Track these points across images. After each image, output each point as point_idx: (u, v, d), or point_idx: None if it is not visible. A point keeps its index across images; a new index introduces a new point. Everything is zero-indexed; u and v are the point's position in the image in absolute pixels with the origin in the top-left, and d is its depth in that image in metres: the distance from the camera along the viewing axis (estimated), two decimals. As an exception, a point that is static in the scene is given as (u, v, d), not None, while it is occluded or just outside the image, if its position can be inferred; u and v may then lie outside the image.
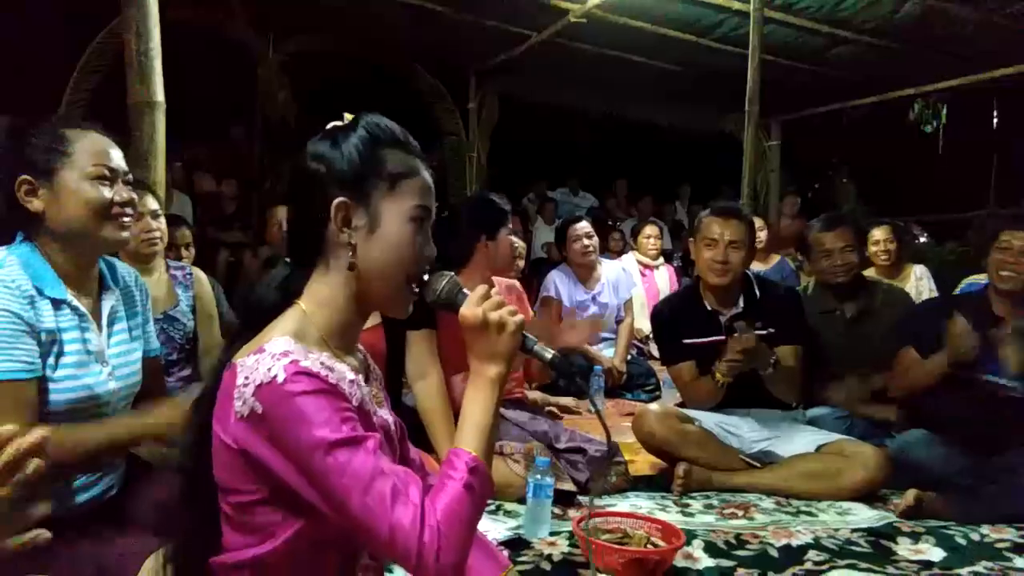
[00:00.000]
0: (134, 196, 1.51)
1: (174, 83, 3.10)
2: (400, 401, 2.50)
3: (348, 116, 1.12)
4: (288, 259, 1.14)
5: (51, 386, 1.37)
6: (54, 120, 1.47)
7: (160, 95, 2.99)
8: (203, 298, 2.80)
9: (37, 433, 0.75)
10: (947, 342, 2.52)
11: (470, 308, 1.09)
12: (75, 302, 1.43)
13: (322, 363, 0.99)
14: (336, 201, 1.05)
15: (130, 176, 1.52)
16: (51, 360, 1.37)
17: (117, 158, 1.48)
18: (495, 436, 1.09)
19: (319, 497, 0.95)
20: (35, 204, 1.41)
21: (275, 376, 0.94)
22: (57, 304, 1.40)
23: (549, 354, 1.14)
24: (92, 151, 1.45)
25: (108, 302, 1.53)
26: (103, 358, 1.47)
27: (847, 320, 3.15)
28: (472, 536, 1.01)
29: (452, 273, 1.16)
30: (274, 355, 0.96)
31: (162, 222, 2.65)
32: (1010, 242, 2.59)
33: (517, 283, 3.04)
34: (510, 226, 2.71)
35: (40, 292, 1.37)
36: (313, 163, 1.07)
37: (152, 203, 2.59)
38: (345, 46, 6.66)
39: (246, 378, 0.96)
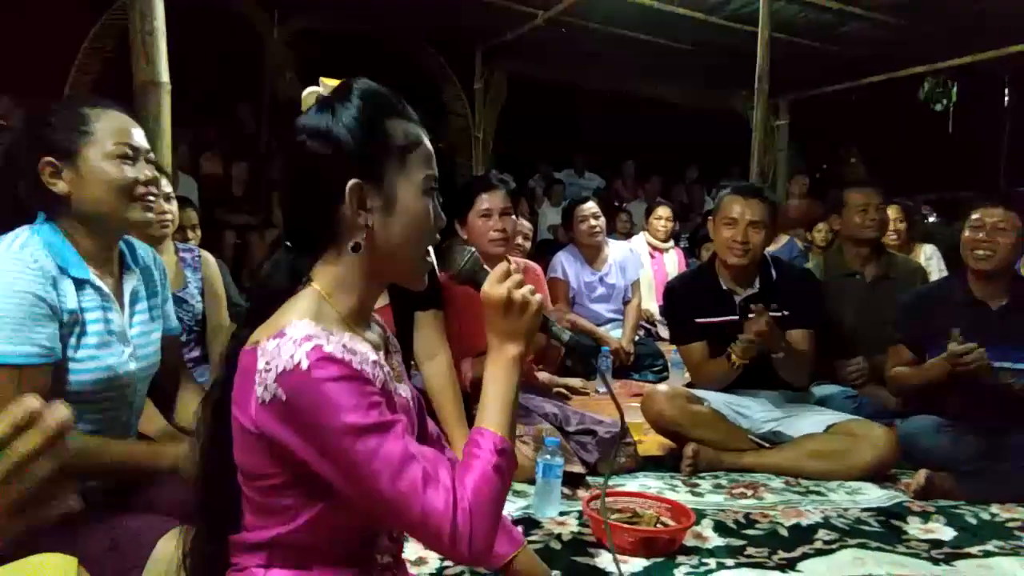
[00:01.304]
0: (158, 175, 1.48)
1: (179, 63, 3.08)
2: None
3: (328, 81, 1.06)
4: (289, 243, 1.08)
5: (73, 366, 1.35)
6: (73, 99, 1.45)
7: (165, 75, 2.97)
8: (211, 280, 2.80)
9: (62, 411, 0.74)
10: (949, 356, 2.44)
11: (493, 286, 1.08)
12: (98, 282, 1.41)
13: (344, 346, 0.96)
14: (351, 184, 1.00)
15: (152, 155, 1.49)
16: (73, 340, 1.35)
17: (139, 136, 1.44)
18: (517, 414, 1.08)
19: (347, 482, 0.94)
20: (60, 186, 1.37)
21: (298, 363, 0.91)
22: (80, 284, 1.38)
23: (566, 335, 1.15)
24: (114, 129, 1.41)
25: (129, 283, 1.51)
26: (125, 338, 1.45)
27: (866, 284, 3.22)
28: (500, 515, 1.02)
29: (474, 248, 1.16)
30: (295, 340, 0.93)
31: (174, 204, 2.64)
32: (982, 219, 2.55)
33: (535, 264, 3.02)
34: (483, 206, 2.63)
35: (63, 271, 1.35)
36: (314, 142, 1.01)
37: (166, 185, 2.59)
38: (351, 24, 6.63)
39: (267, 363, 0.93)
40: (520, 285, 1.09)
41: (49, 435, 0.70)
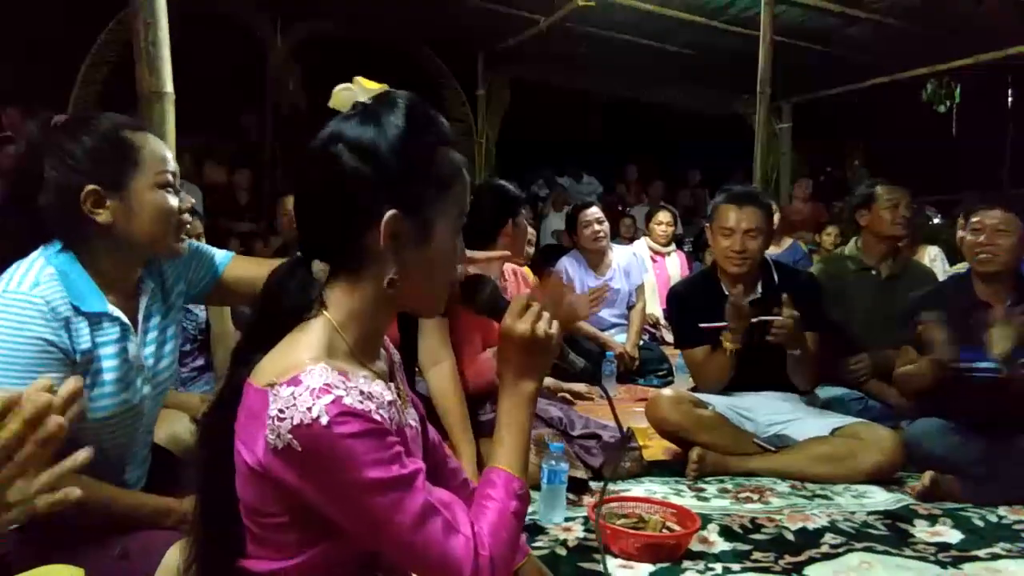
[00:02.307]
0: (193, 200, 1.44)
1: (183, 72, 3.09)
2: (413, 389, 2.50)
3: (365, 83, 0.99)
4: (303, 256, 1.02)
5: (88, 404, 1.31)
6: (105, 122, 1.36)
7: (169, 85, 2.97)
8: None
9: (69, 386, 0.74)
10: (925, 349, 2.47)
11: (516, 321, 1.05)
12: (115, 312, 1.35)
13: (362, 392, 0.91)
14: (389, 214, 0.93)
15: (180, 180, 1.45)
16: (88, 380, 1.30)
17: (173, 161, 1.41)
18: (529, 449, 1.08)
19: (367, 533, 0.93)
20: (103, 216, 1.31)
21: (317, 417, 0.87)
22: (95, 319, 1.32)
23: (580, 363, 1.16)
24: (156, 157, 1.37)
25: (144, 298, 1.45)
26: (140, 362, 1.41)
27: (881, 280, 3.24)
28: (516, 558, 1.03)
29: (493, 279, 1.15)
30: (313, 390, 0.88)
31: None
32: (982, 222, 2.55)
33: (524, 269, 3.03)
34: (525, 211, 2.73)
35: (77, 310, 1.29)
36: (353, 157, 0.93)
37: None
38: (353, 32, 6.65)
39: (280, 411, 0.88)
40: (540, 317, 1.06)
41: (27, 418, 0.70)
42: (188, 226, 1.43)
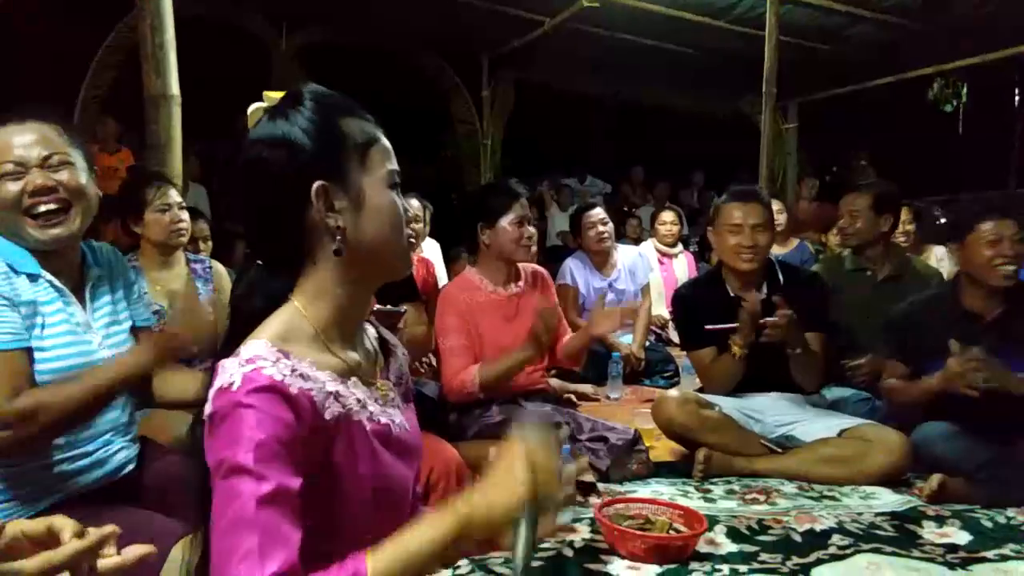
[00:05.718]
0: (54, 180, 1.47)
1: (190, 76, 3.10)
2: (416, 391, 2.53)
3: (271, 95, 1.05)
4: (260, 263, 1.03)
5: (42, 355, 1.42)
6: None
7: (175, 88, 3.00)
8: (222, 291, 2.81)
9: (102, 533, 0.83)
10: (948, 371, 2.37)
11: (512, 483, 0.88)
12: (50, 277, 1.47)
13: (294, 370, 0.91)
14: (316, 185, 0.96)
15: (56, 158, 1.48)
16: (37, 331, 1.42)
17: (21, 149, 1.46)
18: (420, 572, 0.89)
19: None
20: None
21: (232, 383, 0.88)
22: (33, 278, 1.45)
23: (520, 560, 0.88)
24: None
25: (91, 279, 1.58)
26: (90, 329, 1.53)
27: (877, 281, 3.21)
28: None
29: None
30: (241, 360, 0.90)
31: (186, 214, 2.66)
32: (999, 233, 2.47)
33: (543, 269, 3.02)
34: (516, 214, 2.66)
35: (13, 269, 1.43)
36: (273, 151, 0.97)
37: (176, 196, 2.61)
38: (357, 36, 6.66)
39: (215, 382, 0.91)
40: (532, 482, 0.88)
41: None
42: (44, 207, 1.46)
